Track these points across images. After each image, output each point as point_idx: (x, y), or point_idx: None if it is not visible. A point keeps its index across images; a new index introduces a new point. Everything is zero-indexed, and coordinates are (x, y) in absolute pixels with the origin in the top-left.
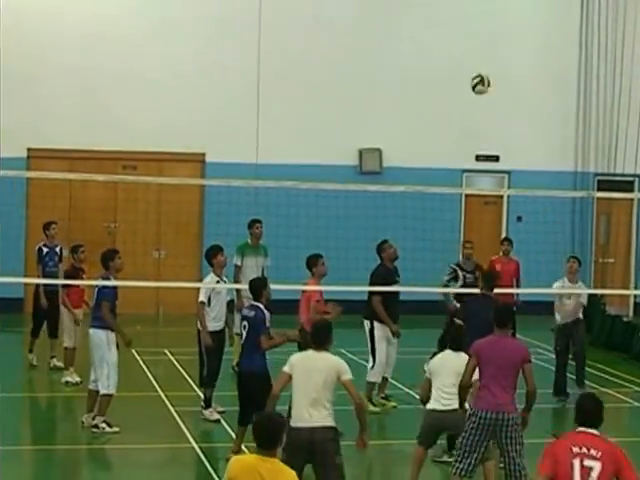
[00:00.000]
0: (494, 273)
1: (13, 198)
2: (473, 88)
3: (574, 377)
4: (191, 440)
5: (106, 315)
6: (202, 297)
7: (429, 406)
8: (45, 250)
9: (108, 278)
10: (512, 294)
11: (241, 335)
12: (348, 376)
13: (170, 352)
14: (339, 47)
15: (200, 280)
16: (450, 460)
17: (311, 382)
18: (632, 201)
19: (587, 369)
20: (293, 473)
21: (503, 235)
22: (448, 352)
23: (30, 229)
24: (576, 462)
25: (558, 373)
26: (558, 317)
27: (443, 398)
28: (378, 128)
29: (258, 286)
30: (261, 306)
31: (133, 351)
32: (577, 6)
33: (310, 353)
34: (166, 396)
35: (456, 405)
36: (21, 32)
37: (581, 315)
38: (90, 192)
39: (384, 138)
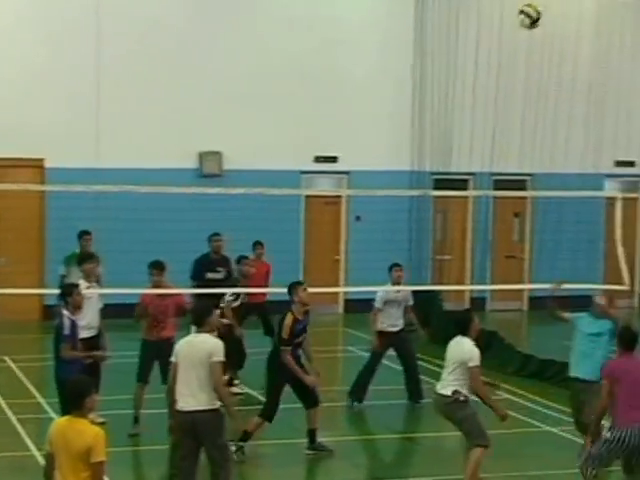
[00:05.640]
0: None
1: None
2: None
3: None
4: (32, 447)
5: None
6: None
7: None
8: None
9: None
10: (264, 294)
11: None
12: (216, 358)
13: (11, 359)
14: (177, 49)
15: (42, 286)
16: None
17: (191, 364)
18: (467, 199)
19: (426, 365)
20: (97, 430)
21: (343, 234)
22: (456, 337)
23: None
24: None
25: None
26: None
27: (440, 384)
28: (218, 131)
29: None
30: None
31: None
32: (411, 12)
33: (191, 337)
34: (7, 404)
35: (443, 391)
36: None
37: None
38: None
39: (224, 141)
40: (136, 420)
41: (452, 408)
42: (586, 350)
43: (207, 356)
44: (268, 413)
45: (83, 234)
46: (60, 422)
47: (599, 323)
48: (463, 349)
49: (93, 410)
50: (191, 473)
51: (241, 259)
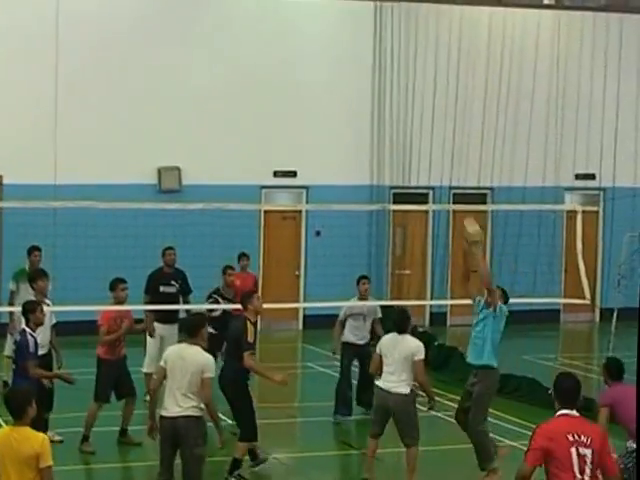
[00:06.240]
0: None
1: None
2: None
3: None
4: None
5: None
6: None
7: (377, 383)
8: None
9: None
10: None
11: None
12: (209, 374)
13: None
14: (136, 65)
15: None
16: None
17: (180, 374)
18: (426, 213)
19: None
20: (42, 436)
21: (303, 249)
22: (394, 335)
23: None
24: (573, 451)
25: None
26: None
27: (388, 380)
28: (177, 146)
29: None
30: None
31: None
32: (370, 28)
33: (183, 346)
34: None
35: (400, 390)
36: None
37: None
38: None
39: (183, 156)
40: (86, 438)
41: (408, 403)
42: (475, 336)
43: (199, 370)
44: (250, 435)
45: (33, 250)
46: (3, 431)
47: (484, 311)
48: (410, 345)
49: (32, 417)
50: None
51: (226, 269)
